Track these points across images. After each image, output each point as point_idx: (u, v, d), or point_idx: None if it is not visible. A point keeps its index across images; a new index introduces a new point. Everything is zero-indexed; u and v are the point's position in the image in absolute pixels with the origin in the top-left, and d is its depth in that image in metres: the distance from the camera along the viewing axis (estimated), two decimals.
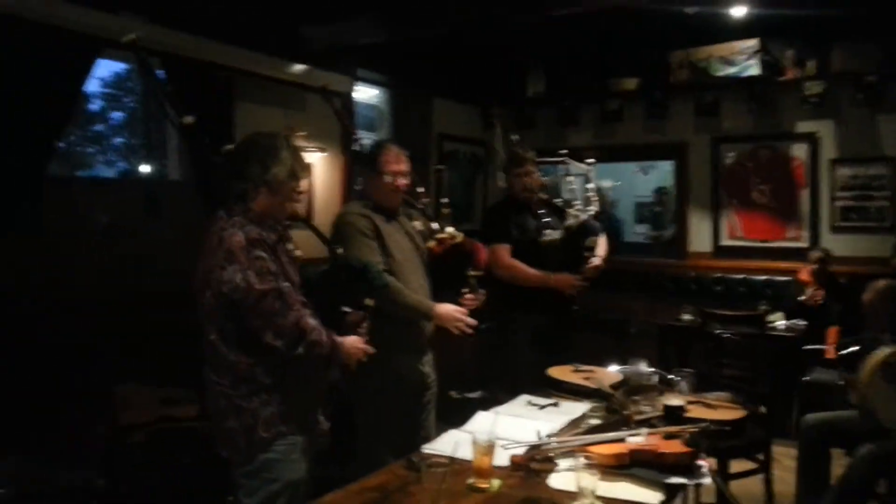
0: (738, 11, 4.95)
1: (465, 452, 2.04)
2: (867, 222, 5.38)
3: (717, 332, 4.01)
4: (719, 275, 5.90)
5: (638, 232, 8.42)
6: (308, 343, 2.14)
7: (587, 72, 6.31)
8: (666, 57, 5.89)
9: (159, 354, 3.33)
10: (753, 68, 5.48)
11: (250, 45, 4.22)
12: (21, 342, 3.18)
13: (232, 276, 2.07)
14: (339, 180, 5.13)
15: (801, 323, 4.80)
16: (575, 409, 2.64)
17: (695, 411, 2.51)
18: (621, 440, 2.17)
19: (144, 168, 5.44)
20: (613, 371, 3.06)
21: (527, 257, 3.56)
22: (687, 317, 5.06)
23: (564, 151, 4.05)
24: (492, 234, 3.62)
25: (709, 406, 2.63)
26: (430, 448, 2.26)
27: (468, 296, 2.99)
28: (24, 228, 3.23)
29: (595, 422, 2.43)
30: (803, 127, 5.62)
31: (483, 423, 2.35)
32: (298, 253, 2.36)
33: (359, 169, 3.04)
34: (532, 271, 3.54)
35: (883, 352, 2.97)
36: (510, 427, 2.32)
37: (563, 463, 2.11)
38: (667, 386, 2.78)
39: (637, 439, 2.16)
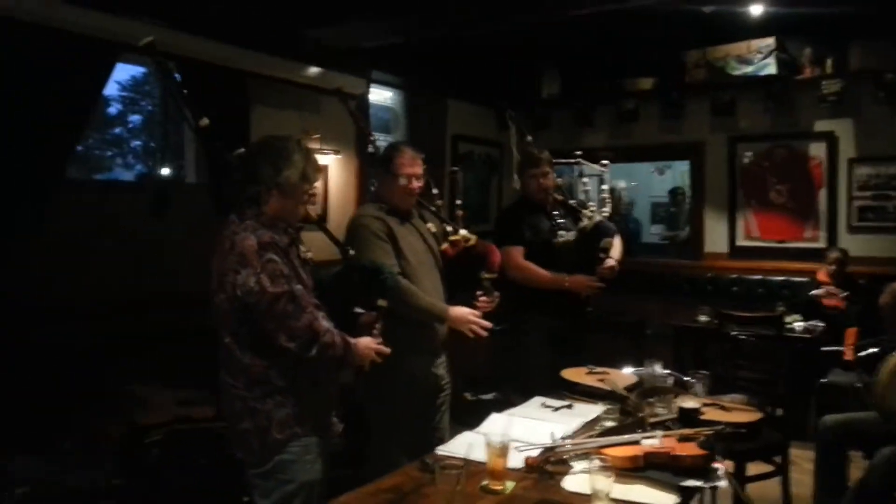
0: (755, 10, 4.93)
1: (479, 454, 2.04)
2: (886, 222, 5.33)
3: (734, 333, 3.98)
4: (736, 276, 5.87)
5: (653, 232, 8.39)
6: (321, 345, 2.15)
7: (602, 72, 6.29)
8: (682, 56, 5.87)
9: (176, 356, 3.36)
10: (770, 67, 5.44)
11: (266, 49, 4.24)
12: (40, 343, 3.22)
13: (245, 280, 2.09)
14: (354, 182, 5.15)
15: (819, 324, 4.76)
16: (589, 411, 2.64)
17: (710, 413, 2.49)
18: (636, 442, 2.16)
19: (162, 171, 5.48)
20: (628, 373, 3.05)
21: (541, 259, 3.55)
22: (703, 318, 5.03)
23: (579, 152, 4.04)
24: (505, 236, 3.61)
25: (724, 408, 2.61)
26: (443, 450, 2.27)
27: (482, 298, 2.99)
28: (41, 231, 3.26)
29: (609, 424, 2.43)
30: (821, 126, 5.58)
31: (497, 424, 2.35)
32: (310, 255, 2.37)
33: (374, 171, 3.05)
34: (545, 273, 3.53)
35: None
36: (524, 429, 2.32)
37: (577, 465, 2.11)
38: (682, 388, 2.76)
39: (652, 442, 2.14)
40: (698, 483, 1.99)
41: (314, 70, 4.56)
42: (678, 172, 8.31)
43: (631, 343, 5.43)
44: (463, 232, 3.03)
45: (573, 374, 3.00)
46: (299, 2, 4.31)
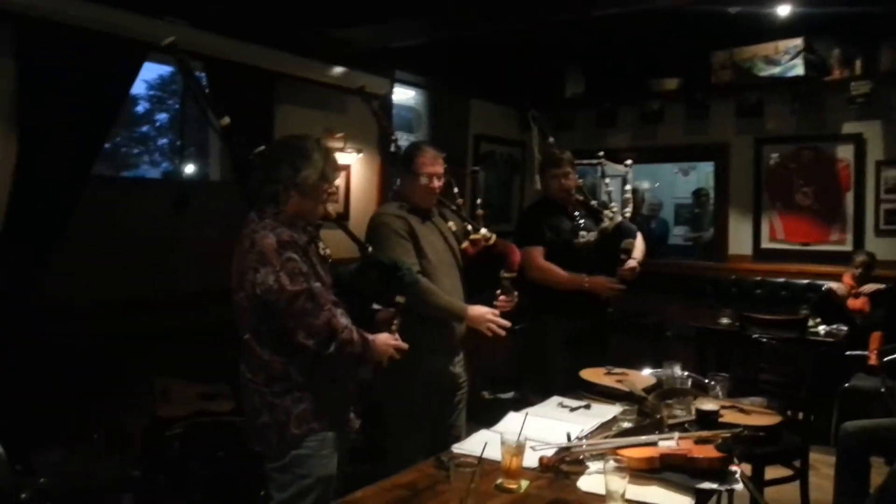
0: (783, 10, 4.87)
1: (494, 453, 2.05)
2: None
3: (755, 336, 3.95)
4: (759, 278, 5.80)
5: (676, 234, 8.34)
6: (339, 342, 2.17)
7: (627, 72, 6.25)
8: (708, 57, 5.81)
9: (199, 351, 3.40)
10: (798, 68, 5.37)
11: (291, 48, 4.28)
12: (65, 338, 3.28)
13: (265, 278, 2.12)
14: (376, 181, 5.18)
15: (843, 328, 4.70)
16: (606, 411, 2.63)
17: (729, 416, 2.47)
18: (652, 444, 2.16)
19: (188, 169, 5.54)
20: (647, 374, 3.03)
21: (561, 259, 3.54)
22: (725, 320, 4.98)
23: (601, 153, 4.03)
24: (525, 236, 3.61)
25: (743, 411, 2.59)
26: (459, 448, 2.28)
27: (501, 297, 2.99)
28: (68, 228, 3.32)
29: (626, 425, 2.42)
30: (849, 128, 5.50)
31: (513, 423, 2.35)
32: (328, 252, 2.39)
33: (395, 170, 3.07)
34: (565, 274, 3.52)
35: None
36: (540, 428, 2.32)
37: (592, 465, 2.11)
38: (701, 390, 2.75)
39: (668, 443, 2.14)
40: (714, 485, 1.98)
41: (339, 70, 4.59)
42: (702, 174, 8.25)
43: (651, 344, 5.41)
44: (483, 231, 3.04)
45: (592, 375, 3.00)
46: (324, 2, 4.34)
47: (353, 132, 4.86)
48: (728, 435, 2.18)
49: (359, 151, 4.95)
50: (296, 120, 4.42)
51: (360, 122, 4.80)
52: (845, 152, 5.53)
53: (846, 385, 4.35)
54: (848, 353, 4.31)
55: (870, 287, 4.83)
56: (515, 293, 3.02)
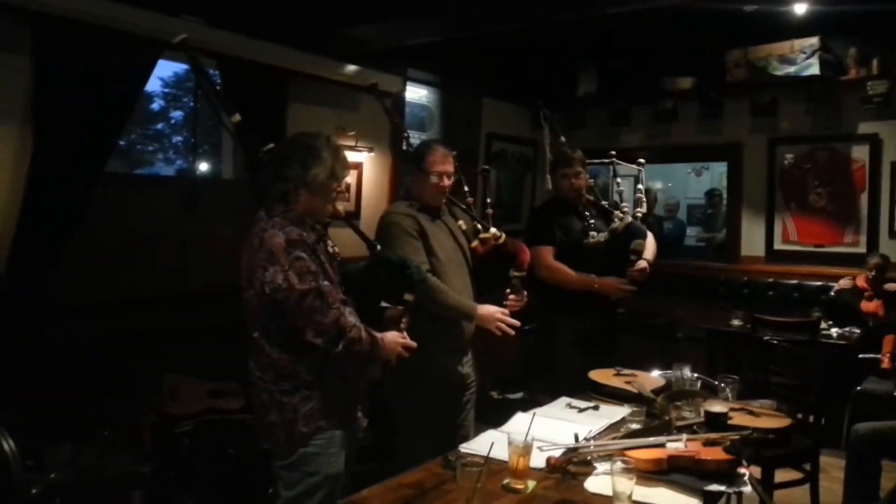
0: (799, 8, 4.83)
1: (502, 453, 2.05)
2: None
3: (766, 338, 3.92)
4: (772, 280, 5.77)
5: (689, 234, 8.30)
6: (348, 340, 2.18)
7: (640, 71, 6.22)
8: (722, 56, 5.76)
9: (210, 348, 3.42)
10: (814, 67, 5.31)
11: (303, 46, 4.29)
12: (77, 334, 3.31)
13: (273, 277, 2.12)
14: (388, 179, 5.18)
15: (856, 331, 4.66)
16: (615, 412, 2.63)
17: (738, 418, 2.46)
18: (660, 445, 2.15)
19: (202, 167, 5.57)
20: (656, 376, 3.03)
21: (571, 259, 3.53)
22: (736, 322, 4.96)
23: (613, 152, 4.01)
24: (535, 236, 3.61)
25: (753, 413, 2.57)
26: (466, 447, 2.28)
27: (511, 296, 2.99)
28: (82, 225, 3.35)
29: (635, 426, 2.42)
30: (865, 128, 5.44)
31: (521, 424, 2.35)
32: (336, 250, 2.40)
33: (407, 168, 3.07)
34: (575, 274, 3.51)
35: None
36: (548, 429, 2.32)
37: (600, 466, 2.10)
38: (710, 392, 2.73)
39: (676, 445, 2.13)
40: (722, 488, 1.97)
41: (351, 68, 4.60)
42: (715, 174, 8.21)
43: (662, 346, 5.39)
44: (493, 230, 3.04)
45: (600, 376, 2.99)
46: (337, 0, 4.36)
47: (366, 130, 4.87)
48: (737, 437, 2.16)
49: (370, 150, 4.96)
50: (308, 118, 4.43)
51: (372, 121, 4.81)
52: (860, 153, 5.48)
53: (858, 388, 4.31)
54: (861, 356, 4.27)
55: (893, 286, 4.79)
56: (525, 292, 3.02)
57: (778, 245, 5.83)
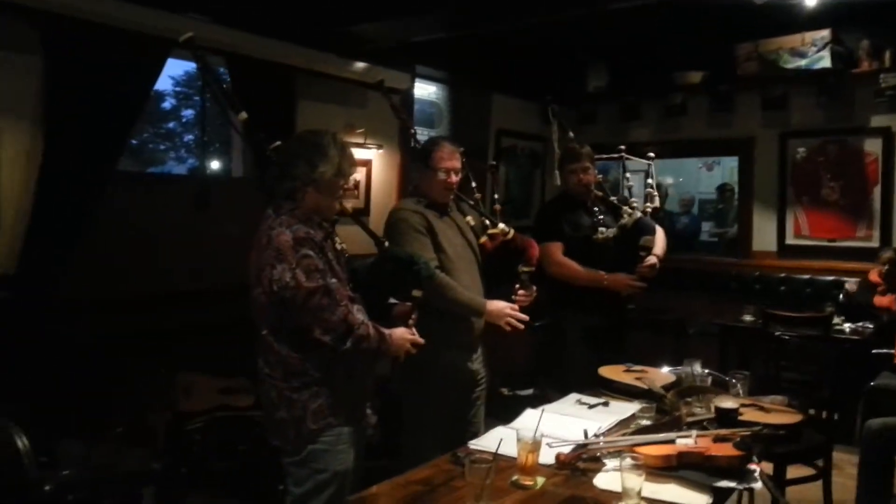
0: (810, 0, 4.78)
1: (510, 449, 2.04)
2: None
3: (778, 333, 3.89)
4: (784, 275, 5.73)
5: (701, 230, 8.27)
6: (356, 338, 2.18)
7: (650, 65, 6.18)
8: (732, 49, 5.72)
9: (221, 345, 3.44)
10: (825, 60, 5.27)
11: (312, 44, 4.30)
12: (89, 332, 3.34)
13: (281, 275, 2.13)
14: (397, 176, 5.18)
15: (869, 326, 4.62)
16: (625, 409, 2.62)
17: (749, 414, 2.44)
18: (670, 441, 2.14)
19: (212, 165, 5.59)
20: (666, 372, 3.01)
21: (580, 255, 3.52)
22: (748, 318, 4.93)
23: (622, 147, 3.99)
24: (544, 232, 3.59)
25: (764, 409, 2.56)
26: (475, 444, 2.28)
27: (520, 292, 2.98)
28: (93, 223, 3.37)
29: (645, 422, 2.40)
30: (877, 121, 5.39)
31: (530, 420, 2.35)
32: (344, 247, 2.40)
33: (414, 165, 3.07)
34: (584, 270, 3.50)
35: None
36: (557, 425, 2.31)
37: (609, 463, 2.09)
38: (721, 388, 2.72)
39: (686, 441, 2.12)
40: (732, 484, 1.96)
41: (360, 65, 4.61)
42: (727, 169, 8.16)
43: (673, 341, 5.37)
44: (501, 226, 3.03)
45: (610, 372, 2.98)
46: None
47: (374, 128, 4.87)
48: (747, 433, 2.15)
49: (379, 147, 4.96)
50: (317, 115, 4.44)
51: (380, 118, 4.81)
52: (873, 146, 5.43)
53: (872, 384, 4.27)
54: (874, 350, 4.23)
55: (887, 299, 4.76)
56: (534, 287, 3.01)
57: (790, 240, 5.79)
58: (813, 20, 5.15)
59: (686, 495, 1.90)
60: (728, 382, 2.73)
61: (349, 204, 2.54)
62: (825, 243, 5.61)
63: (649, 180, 3.87)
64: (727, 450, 2.05)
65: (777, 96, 5.71)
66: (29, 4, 3.12)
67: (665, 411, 2.50)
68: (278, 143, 2.37)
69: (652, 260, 3.50)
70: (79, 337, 3.28)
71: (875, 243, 5.33)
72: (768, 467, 3.02)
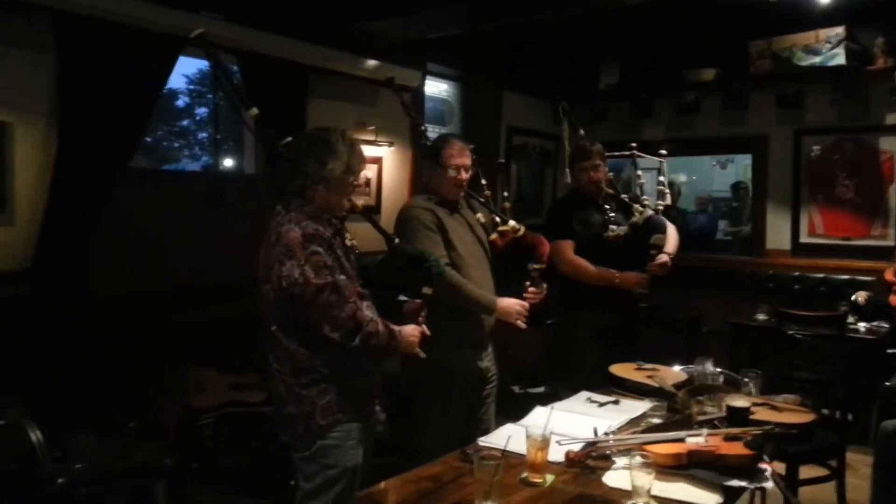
0: None
1: (519, 446, 2.04)
2: None
3: (791, 332, 3.86)
4: (798, 273, 5.69)
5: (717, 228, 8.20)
6: (364, 335, 2.19)
7: (662, 62, 6.15)
8: (746, 46, 5.68)
9: (233, 342, 3.45)
10: (839, 57, 5.23)
11: (322, 41, 4.30)
12: (103, 327, 3.36)
13: (290, 272, 2.13)
14: (408, 174, 5.18)
15: (884, 325, 4.57)
16: (635, 407, 2.60)
17: (760, 413, 2.43)
18: (680, 440, 2.13)
19: (225, 162, 5.62)
20: (678, 370, 3.00)
21: (591, 253, 3.50)
22: (761, 316, 4.90)
23: (633, 144, 3.97)
24: (554, 230, 3.58)
25: (776, 408, 2.54)
26: (485, 441, 2.28)
27: (531, 289, 2.98)
28: (106, 220, 3.39)
29: (656, 421, 2.39)
30: (893, 119, 5.34)
31: (540, 418, 2.34)
32: (354, 242, 2.40)
33: (425, 162, 3.07)
34: (594, 268, 3.49)
35: None
36: (567, 423, 2.30)
37: (619, 461, 2.09)
38: (733, 386, 2.70)
39: (696, 439, 2.11)
40: (743, 483, 1.94)
41: (371, 63, 4.60)
42: (740, 167, 8.11)
43: (686, 340, 5.34)
44: (512, 223, 3.02)
45: (621, 370, 2.97)
46: None
47: (385, 125, 4.87)
48: (758, 432, 2.14)
49: (390, 144, 4.96)
50: (328, 113, 4.44)
51: (392, 115, 4.81)
52: (889, 144, 5.38)
53: (887, 384, 4.23)
54: (889, 350, 4.19)
55: None
56: (544, 285, 3.01)
57: (804, 238, 5.75)
58: (827, 17, 5.11)
59: (696, 494, 1.89)
60: (740, 381, 2.72)
61: (360, 201, 2.54)
62: (840, 242, 5.56)
63: (661, 178, 3.86)
64: (738, 449, 2.04)
65: (791, 94, 5.66)
66: (43, 2, 3.14)
67: (676, 410, 2.48)
68: (289, 139, 2.37)
69: (663, 258, 3.48)
70: (92, 332, 3.31)
71: (890, 242, 5.28)
72: (781, 467, 3.00)
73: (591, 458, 2.10)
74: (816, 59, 5.33)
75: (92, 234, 3.35)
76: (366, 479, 2.29)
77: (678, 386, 2.70)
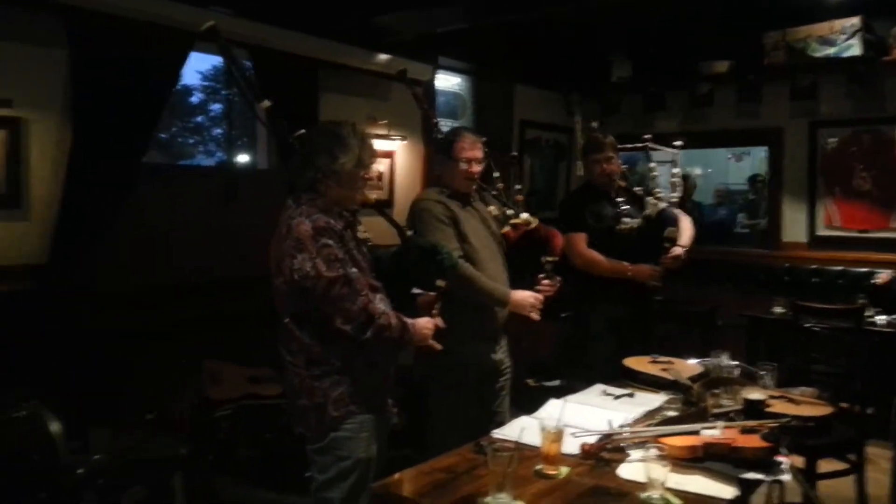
0: None
1: (532, 438, 2.03)
2: None
3: (808, 325, 3.83)
4: (815, 266, 5.63)
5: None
6: (376, 327, 2.18)
7: (675, 54, 6.09)
8: (760, 38, 5.62)
9: (251, 335, 3.46)
10: (855, 48, 5.16)
11: (334, 36, 4.30)
12: (121, 320, 3.39)
13: (301, 265, 2.13)
14: (420, 168, 5.18)
15: None
16: (651, 400, 2.59)
17: (777, 406, 2.40)
18: (696, 432, 2.11)
19: (238, 158, 5.63)
20: (693, 363, 2.97)
21: (604, 246, 3.49)
22: (778, 310, 4.85)
23: (647, 136, 3.94)
24: (567, 223, 3.57)
25: (793, 401, 2.52)
26: (499, 433, 2.28)
27: (544, 281, 2.97)
28: (120, 215, 3.41)
29: (671, 414, 2.38)
30: None
31: (554, 410, 2.33)
32: (367, 234, 2.40)
33: (437, 156, 3.06)
34: (607, 261, 3.48)
35: None
36: (582, 415, 2.30)
37: (634, 453, 2.08)
38: (749, 379, 2.68)
39: (712, 432, 2.09)
40: (759, 476, 1.93)
41: (382, 57, 4.60)
42: (756, 159, 8.04)
43: (702, 333, 5.30)
44: (524, 215, 3.01)
45: (636, 363, 2.95)
46: None
47: (398, 119, 4.87)
48: (774, 424, 2.12)
49: (403, 138, 4.96)
50: (340, 108, 4.45)
51: (404, 109, 4.81)
52: None
53: None
54: None
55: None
56: (558, 277, 3.00)
57: (821, 231, 5.70)
58: (842, 7, 5.06)
59: (712, 487, 1.88)
60: (756, 374, 2.69)
61: (373, 195, 2.54)
62: (857, 234, 5.50)
63: (675, 169, 3.83)
64: (754, 441, 2.02)
65: (806, 85, 5.61)
66: None
67: (691, 403, 2.47)
68: (302, 131, 2.37)
69: (677, 251, 3.46)
70: (109, 326, 3.33)
71: None
72: (799, 461, 2.97)
73: (606, 451, 2.09)
74: (831, 50, 5.27)
75: (106, 229, 3.38)
76: (380, 472, 2.29)
77: (693, 379, 2.69)
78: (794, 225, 5.84)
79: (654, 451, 1.88)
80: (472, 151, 2.91)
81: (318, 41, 4.22)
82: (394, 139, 4.88)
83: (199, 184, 4.08)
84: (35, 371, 2.92)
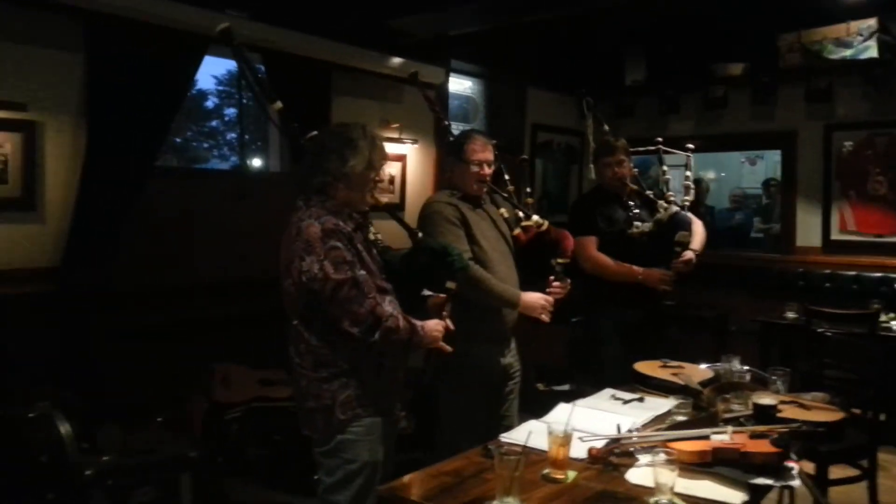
0: None
1: (541, 442, 2.03)
2: None
3: (821, 330, 3.79)
4: (829, 271, 5.58)
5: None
6: (384, 330, 2.18)
7: (689, 57, 6.06)
8: (774, 40, 5.59)
9: (261, 338, 3.48)
10: (871, 50, 5.12)
11: (347, 39, 4.32)
12: (130, 322, 3.41)
13: (310, 267, 2.14)
14: (432, 170, 5.19)
15: None
16: (660, 405, 2.57)
17: (788, 411, 2.38)
18: (705, 437, 2.10)
19: (252, 162, 5.66)
20: (704, 368, 2.96)
21: (615, 250, 3.48)
22: (791, 314, 4.82)
23: (659, 139, 3.92)
24: (578, 226, 3.55)
25: (804, 406, 2.49)
26: (507, 437, 2.27)
27: (555, 283, 2.96)
28: (133, 218, 3.44)
29: (681, 419, 2.37)
30: None
31: (563, 414, 2.32)
32: (379, 237, 2.40)
33: (448, 159, 3.07)
34: (617, 265, 3.46)
35: None
36: (590, 420, 2.29)
37: (642, 458, 2.07)
38: (761, 384, 2.66)
39: (721, 437, 2.08)
40: (769, 481, 1.91)
41: (395, 60, 4.61)
42: (770, 163, 7.98)
43: (714, 338, 5.27)
44: (535, 217, 3.00)
45: (646, 368, 2.94)
46: None
47: (410, 122, 4.88)
48: (785, 430, 2.10)
49: (415, 141, 4.97)
50: (352, 111, 4.47)
51: (416, 113, 4.82)
52: None
53: None
54: None
55: None
56: (568, 280, 2.99)
57: (835, 235, 5.65)
58: (858, 9, 5.02)
59: (721, 492, 1.86)
60: (767, 379, 2.67)
61: (384, 198, 2.54)
62: (872, 238, 5.45)
63: (687, 173, 3.81)
64: (764, 446, 2.00)
65: (821, 88, 5.57)
66: (71, 2, 3.19)
67: (701, 408, 2.45)
68: (314, 132, 2.38)
69: (688, 255, 3.44)
70: (121, 327, 3.35)
71: None
72: (810, 467, 2.95)
73: (614, 455, 2.08)
74: (847, 53, 5.23)
75: (120, 231, 3.40)
76: (388, 475, 2.28)
77: (704, 384, 2.67)
78: (808, 229, 5.79)
79: (662, 456, 1.87)
80: (483, 153, 2.90)
81: (331, 44, 4.24)
82: (406, 142, 4.89)
83: (214, 186, 4.11)
84: (46, 372, 2.94)
